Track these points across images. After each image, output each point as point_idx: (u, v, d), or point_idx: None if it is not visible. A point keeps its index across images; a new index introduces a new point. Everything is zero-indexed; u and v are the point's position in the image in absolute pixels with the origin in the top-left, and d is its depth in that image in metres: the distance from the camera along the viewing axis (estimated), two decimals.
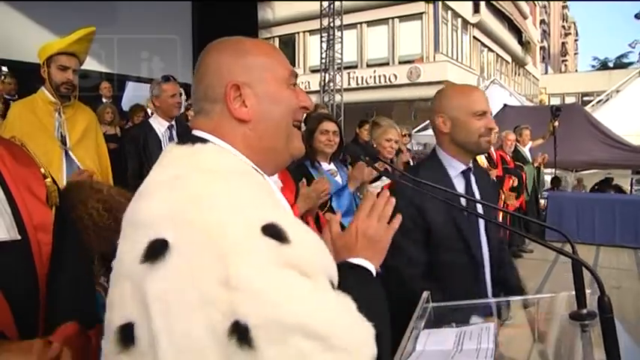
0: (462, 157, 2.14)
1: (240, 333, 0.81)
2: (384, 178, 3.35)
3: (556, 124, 9.32)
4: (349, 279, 1.01)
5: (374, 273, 1.14)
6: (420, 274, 2.01)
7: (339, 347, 0.83)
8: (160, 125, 4.01)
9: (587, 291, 1.26)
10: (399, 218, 1.23)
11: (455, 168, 2.14)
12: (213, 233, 0.85)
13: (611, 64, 48.73)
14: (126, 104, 7.65)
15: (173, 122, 4.04)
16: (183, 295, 0.84)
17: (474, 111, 2.07)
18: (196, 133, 1.08)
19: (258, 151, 1.09)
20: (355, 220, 1.19)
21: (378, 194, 1.25)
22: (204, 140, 1.05)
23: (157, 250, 0.86)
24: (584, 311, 1.20)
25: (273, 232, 0.88)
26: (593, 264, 7.90)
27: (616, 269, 7.70)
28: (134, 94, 7.69)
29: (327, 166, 3.25)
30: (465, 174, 2.14)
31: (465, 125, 2.08)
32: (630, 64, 41.25)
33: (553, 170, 10.63)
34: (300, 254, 0.89)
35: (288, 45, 24.89)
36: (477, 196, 2.16)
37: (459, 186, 2.13)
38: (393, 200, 1.23)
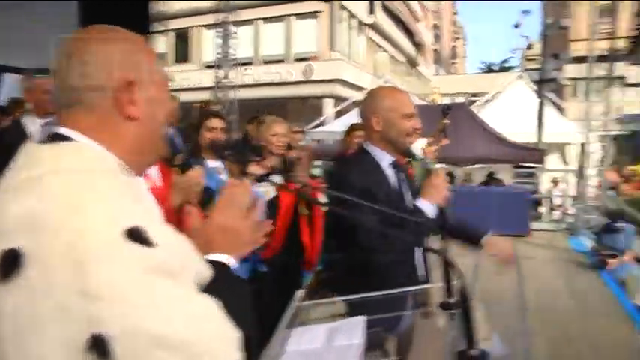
0: (390, 152, 2.39)
1: (99, 346, 0.74)
2: (271, 177, 3.31)
3: (446, 121, 9.75)
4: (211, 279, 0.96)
5: (232, 267, 1.09)
6: (385, 243, 2.15)
7: (201, 356, 0.79)
8: (33, 125, 3.57)
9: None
10: (258, 206, 1.18)
11: (385, 160, 2.39)
12: (72, 239, 0.77)
13: (496, 68, 51.88)
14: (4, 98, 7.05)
15: (53, 118, 3.65)
16: (35, 310, 0.76)
17: (405, 113, 2.35)
18: (60, 130, 0.97)
19: (137, 151, 1.02)
20: (213, 212, 1.14)
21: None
22: (67, 138, 0.95)
23: (9, 262, 0.77)
24: (451, 300, 1.27)
25: (137, 235, 0.81)
26: (477, 252, 8.38)
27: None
28: (13, 86, 7.12)
29: (213, 163, 3.17)
30: (393, 165, 2.40)
31: (396, 125, 2.34)
32: (511, 67, 44.30)
33: (443, 165, 11.17)
34: (165, 258, 0.83)
35: (182, 39, 24.30)
36: (406, 183, 2.44)
37: (391, 175, 2.38)
38: (251, 188, 1.19)
